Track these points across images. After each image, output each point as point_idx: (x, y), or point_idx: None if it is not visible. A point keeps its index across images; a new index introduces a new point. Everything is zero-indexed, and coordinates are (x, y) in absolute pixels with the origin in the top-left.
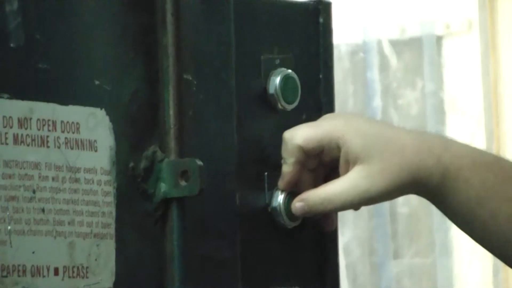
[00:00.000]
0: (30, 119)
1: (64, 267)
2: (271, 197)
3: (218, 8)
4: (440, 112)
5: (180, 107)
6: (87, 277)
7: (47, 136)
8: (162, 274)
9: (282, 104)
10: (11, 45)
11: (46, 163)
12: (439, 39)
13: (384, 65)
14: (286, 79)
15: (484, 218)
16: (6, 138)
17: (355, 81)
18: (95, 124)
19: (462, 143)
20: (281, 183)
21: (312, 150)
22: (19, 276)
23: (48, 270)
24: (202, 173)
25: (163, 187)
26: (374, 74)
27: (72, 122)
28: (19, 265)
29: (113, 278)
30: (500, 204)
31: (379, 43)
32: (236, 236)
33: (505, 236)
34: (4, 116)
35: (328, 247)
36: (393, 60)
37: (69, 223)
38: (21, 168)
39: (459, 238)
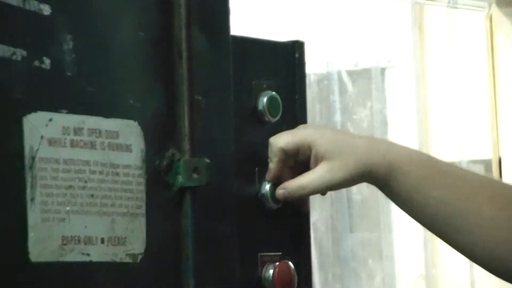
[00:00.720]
0: (82, 128)
1: (108, 237)
2: (260, 186)
3: (220, 46)
4: (384, 125)
5: (192, 120)
6: (125, 245)
7: (95, 141)
8: (179, 245)
9: (268, 118)
10: (68, 73)
11: (94, 161)
12: (383, 70)
13: (342, 90)
14: (271, 99)
15: (419, 203)
16: (65, 143)
17: (321, 102)
18: (130, 133)
19: (402, 145)
20: (268, 176)
21: (291, 151)
22: (75, 244)
23: (96, 239)
24: (209, 169)
25: (180, 179)
26: (335, 97)
27: (113, 131)
28: (75, 236)
29: (144, 246)
30: (431, 191)
31: (339, 73)
32: (234, 217)
33: (435, 216)
34: (63, 126)
35: (302, 224)
36: (349, 86)
37: (111, 205)
38: (76, 165)
39: (399, 218)
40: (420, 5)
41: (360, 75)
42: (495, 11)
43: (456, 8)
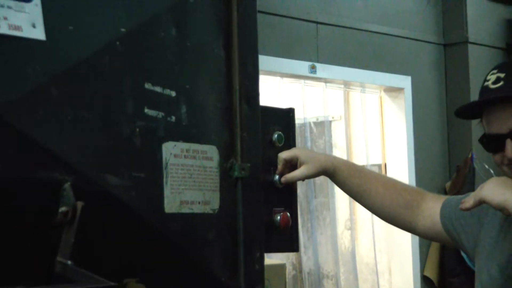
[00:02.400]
0: (190, 149)
1: (202, 201)
2: (273, 176)
3: (255, 111)
4: (330, 147)
5: (241, 146)
6: (209, 205)
7: (195, 156)
8: (236, 205)
9: (277, 144)
10: (183, 123)
11: (195, 165)
12: (329, 122)
13: (311, 131)
14: (279, 135)
15: (348, 185)
16: (181, 156)
17: (301, 137)
18: (212, 151)
19: (341, 158)
20: (277, 171)
21: (288, 160)
22: (186, 204)
23: (196, 202)
24: (249, 169)
25: (235, 174)
26: (307, 134)
27: (204, 150)
28: (186, 200)
29: (218, 206)
30: (353, 179)
31: (309, 123)
32: (261, 191)
33: (355, 192)
34: (181, 148)
35: (293, 194)
36: (314, 129)
37: (203, 186)
38: (186, 167)
39: (337, 192)
40: (347, 91)
41: (319, 124)
42: (383, 94)
43: (364, 92)
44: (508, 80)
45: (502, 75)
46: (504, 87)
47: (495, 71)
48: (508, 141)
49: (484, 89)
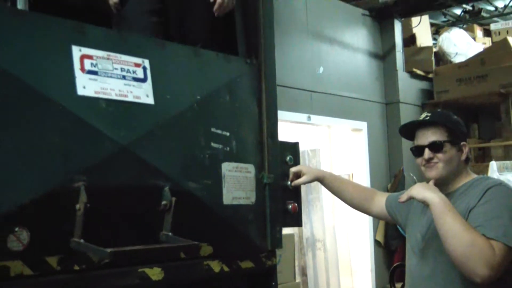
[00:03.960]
0: (238, 167)
1: (244, 197)
2: (287, 183)
3: (276, 143)
4: (319, 165)
5: (268, 164)
6: (249, 199)
7: (241, 170)
8: (264, 200)
9: (288, 163)
10: (233, 151)
11: (242, 176)
12: (319, 150)
13: (308, 156)
14: (290, 158)
15: (331, 188)
16: (233, 171)
17: (302, 160)
18: (250, 168)
19: (328, 171)
20: (289, 179)
21: (296, 172)
22: (234, 198)
23: (243, 198)
24: (273, 177)
25: (265, 180)
26: (305, 156)
27: (246, 167)
28: (235, 196)
29: (255, 199)
30: (334, 183)
31: (307, 151)
32: (280, 191)
33: (335, 192)
34: (233, 166)
35: (298, 192)
36: (311, 154)
37: (245, 187)
38: (236, 178)
39: (324, 191)
40: (329, 131)
41: (313, 151)
42: (351, 132)
43: (339, 131)
44: (432, 116)
45: (428, 114)
46: (430, 118)
47: (425, 113)
48: (426, 149)
49: (418, 121)
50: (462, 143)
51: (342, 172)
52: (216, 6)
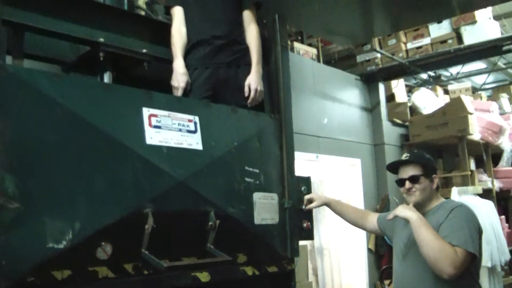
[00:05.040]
0: (265, 196)
1: (270, 218)
2: (303, 206)
3: (293, 178)
4: (326, 194)
5: (288, 194)
6: (274, 220)
7: (267, 198)
8: (285, 219)
9: (304, 192)
10: (262, 184)
11: (267, 202)
12: (323, 181)
13: (316, 186)
14: (304, 188)
15: (335, 210)
16: (262, 199)
17: (313, 189)
18: (274, 196)
19: (332, 197)
20: (304, 204)
21: (308, 199)
22: (263, 219)
23: (269, 219)
24: (291, 202)
25: (285, 205)
26: (315, 187)
27: (271, 195)
28: (264, 218)
29: (278, 220)
30: (337, 207)
31: (316, 181)
32: (296, 214)
33: (338, 213)
34: (262, 195)
35: (311, 212)
36: (318, 185)
37: (271, 211)
38: (264, 203)
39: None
40: (332, 165)
41: (320, 182)
42: (349, 166)
43: (340, 166)
44: (410, 156)
45: (408, 154)
46: (409, 158)
47: (405, 153)
48: (407, 181)
49: (400, 160)
50: (433, 176)
51: (342, 197)
52: (249, 100)
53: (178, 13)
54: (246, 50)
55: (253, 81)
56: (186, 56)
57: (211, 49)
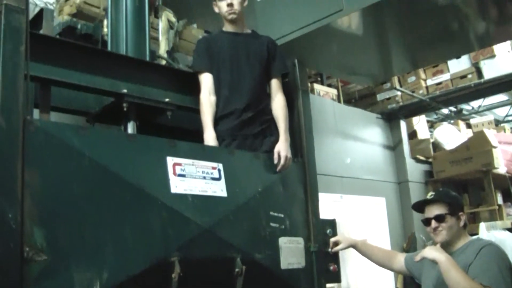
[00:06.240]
0: (291, 240)
1: (296, 262)
2: (329, 249)
3: (308, 203)
4: (349, 233)
5: (314, 237)
6: (301, 264)
7: (293, 242)
8: (311, 261)
9: (329, 235)
10: (287, 229)
11: (293, 246)
12: (348, 222)
13: (340, 225)
14: (330, 231)
15: (362, 252)
16: (288, 243)
17: (338, 229)
18: (300, 240)
19: (359, 239)
20: (330, 247)
21: (334, 242)
22: (289, 243)
23: (296, 263)
24: (317, 246)
25: (311, 249)
26: (338, 227)
27: (297, 239)
28: (290, 262)
29: (304, 264)
30: (363, 248)
31: (339, 222)
32: (323, 253)
33: (366, 255)
34: (287, 239)
35: (338, 254)
36: (342, 224)
37: (297, 255)
38: (289, 247)
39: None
40: (357, 204)
41: (346, 221)
42: (374, 205)
43: (365, 205)
44: (435, 195)
45: (433, 193)
46: (434, 197)
47: (430, 192)
48: (432, 220)
49: (426, 198)
50: (460, 213)
51: (368, 237)
52: (279, 167)
53: (206, 79)
54: (272, 121)
55: (282, 149)
56: (215, 126)
57: (240, 121)
